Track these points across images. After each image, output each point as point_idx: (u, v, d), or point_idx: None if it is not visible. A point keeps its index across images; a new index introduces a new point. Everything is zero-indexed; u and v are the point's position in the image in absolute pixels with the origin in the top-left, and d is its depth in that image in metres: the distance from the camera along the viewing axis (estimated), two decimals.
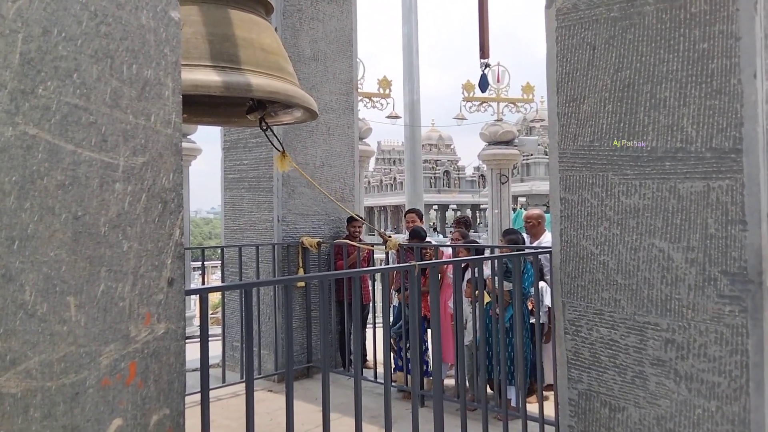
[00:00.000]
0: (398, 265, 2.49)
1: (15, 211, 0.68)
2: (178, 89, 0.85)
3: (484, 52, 4.37)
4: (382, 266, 2.72)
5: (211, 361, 4.97)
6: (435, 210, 44.66)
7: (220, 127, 5.23)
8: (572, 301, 2.87)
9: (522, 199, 28.10)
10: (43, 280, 0.70)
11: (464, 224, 5.44)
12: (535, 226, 5.35)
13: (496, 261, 2.94)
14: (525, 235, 5.16)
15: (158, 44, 0.83)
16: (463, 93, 10.46)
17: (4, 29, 0.67)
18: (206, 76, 2.48)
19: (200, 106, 3.29)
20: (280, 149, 2.57)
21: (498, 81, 10.23)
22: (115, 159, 0.78)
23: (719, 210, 2.39)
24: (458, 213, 46.82)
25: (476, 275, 3.10)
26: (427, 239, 5.36)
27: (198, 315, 6.54)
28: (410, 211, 5.56)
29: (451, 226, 6.18)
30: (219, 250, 5.17)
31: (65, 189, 0.73)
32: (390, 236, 4.64)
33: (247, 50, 2.69)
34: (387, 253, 4.26)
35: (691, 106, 2.46)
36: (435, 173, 41.30)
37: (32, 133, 0.70)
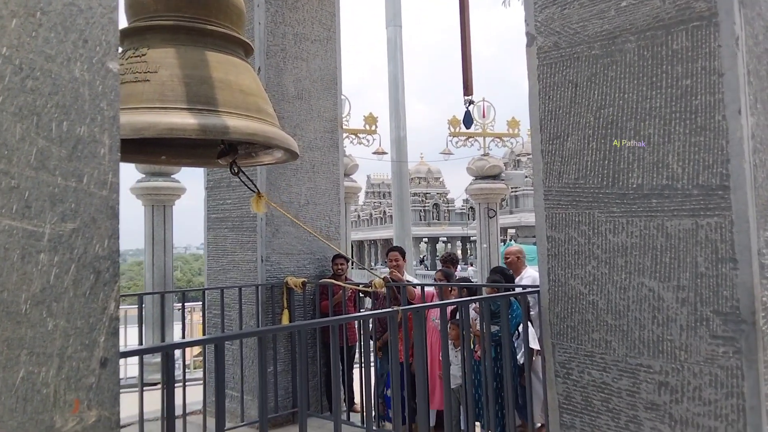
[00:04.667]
0: (379, 311, 2.41)
1: None
2: (116, 146, 0.78)
3: (468, 89, 4.36)
4: (364, 312, 2.61)
5: (192, 408, 4.81)
6: (425, 243, 44.67)
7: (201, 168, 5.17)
8: (562, 342, 2.78)
9: (511, 231, 28.13)
10: None
11: (450, 261, 5.34)
12: (514, 263, 5.32)
13: (483, 302, 2.85)
14: None
15: (93, 98, 0.76)
16: (449, 128, 10.49)
17: None
18: (182, 119, 2.42)
19: (179, 148, 3.23)
20: (255, 191, 2.51)
21: (483, 116, 10.28)
22: (39, 227, 0.70)
23: (709, 248, 2.33)
24: (448, 245, 46.82)
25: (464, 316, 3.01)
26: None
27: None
28: (393, 249, 5.41)
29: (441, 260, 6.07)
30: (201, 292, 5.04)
31: None
32: (382, 275, 4.54)
33: (224, 92, 2.64)
34: (372, 294, 4.17)
35: (675, 143, 2.42)
36: (424, 206, 41.39)
37: None
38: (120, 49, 2.58)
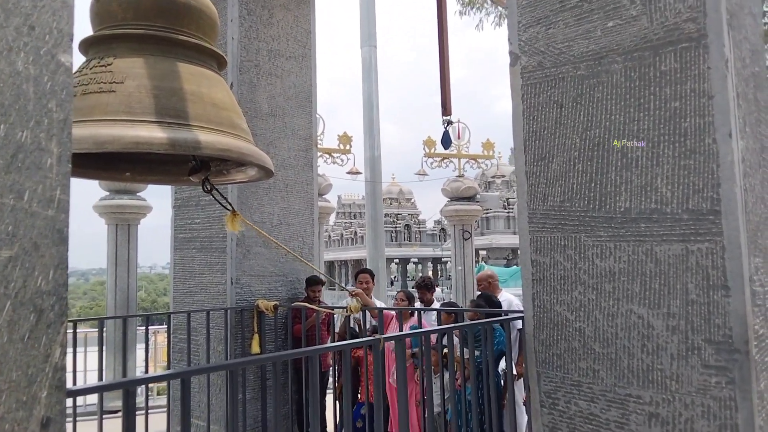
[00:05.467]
0: (360, 340, 2.27)
1: None
2: (66, 157, 0.64)
3: (446, 109, 4.29)
4: (341, 342, 2.45)
5: None
6: (396, 264, 44.56)
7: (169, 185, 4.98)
8: (548, 371, 2.68)
9: (483, 252, 28.21)
10: None
11: (426, 287, 5.21)
12: (487, 288, 5.25)
13: (467, 329, 2.73)
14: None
15: (40, 97, 0.62)
16: (424, 149, 10.45)
17: None
18: (149, 133, 2.26)
19: (145, 165, 3.06)
20: (230, 209, 2.36)
21: (459, 137, 10.27)
22: None
23: (700, 274, 2.26)
24: (419, 266, 46.77)
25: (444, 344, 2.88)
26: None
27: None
28: (363, 270, 5.25)
29: (413, 287, 5.84)
30: (166, 316, 4.80)
31: None
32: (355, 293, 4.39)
33: (196, 105, 2.49)
34: (348, 318, 4.01)
35: (664, 166, 2.36)
36: (396, 227, 41.37)
37: None
38: (84, 59, 2.43)
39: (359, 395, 4.71)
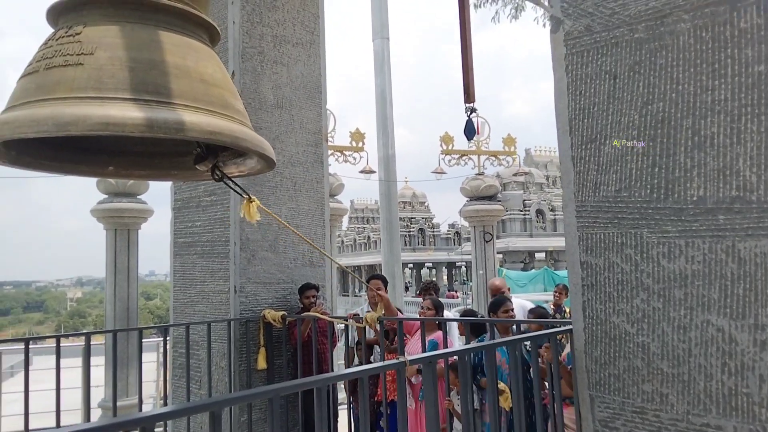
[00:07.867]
0: (381, 364, 1.89)
1: None
2: None
3: (469, 96, 3.86)
4: (357, 368, 2.05)
5: None
6: (410, 268, 44.14)
7: (170, 185, 4.60)
8: (603, 395, 2.25)
9: (499, 256, 27.64)
10: None
11: (433, 289, 4.79)
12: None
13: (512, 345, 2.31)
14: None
15: None
16: (441, 146, 9.98)
17: None
18: (122, 112, 1.83)
19: (131, 156, 2.64)
20: (246, 196, 1.97)
21: (477, 133, 9.81)
22: None
23: None
24: (433, 271, 46.30)
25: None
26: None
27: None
28: (374, 277, 4.80)
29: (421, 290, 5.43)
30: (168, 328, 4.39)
31: None
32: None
33: (180, 80, 2.05)
34: (364, 329, 3.60)
35: (748, 144, 1.93)
36: (410, 231, 40.94)
37: None
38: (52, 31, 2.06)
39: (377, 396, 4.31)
